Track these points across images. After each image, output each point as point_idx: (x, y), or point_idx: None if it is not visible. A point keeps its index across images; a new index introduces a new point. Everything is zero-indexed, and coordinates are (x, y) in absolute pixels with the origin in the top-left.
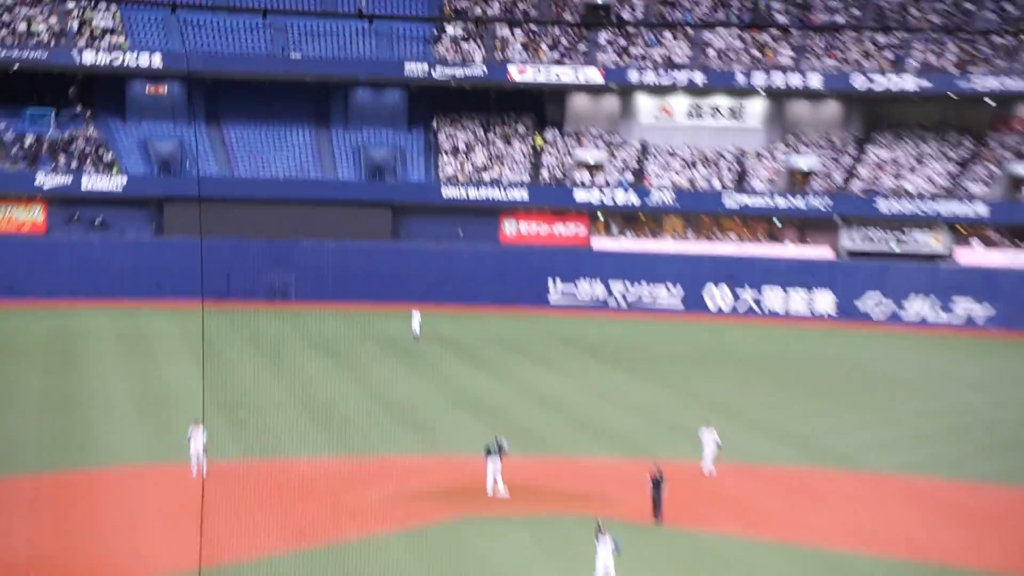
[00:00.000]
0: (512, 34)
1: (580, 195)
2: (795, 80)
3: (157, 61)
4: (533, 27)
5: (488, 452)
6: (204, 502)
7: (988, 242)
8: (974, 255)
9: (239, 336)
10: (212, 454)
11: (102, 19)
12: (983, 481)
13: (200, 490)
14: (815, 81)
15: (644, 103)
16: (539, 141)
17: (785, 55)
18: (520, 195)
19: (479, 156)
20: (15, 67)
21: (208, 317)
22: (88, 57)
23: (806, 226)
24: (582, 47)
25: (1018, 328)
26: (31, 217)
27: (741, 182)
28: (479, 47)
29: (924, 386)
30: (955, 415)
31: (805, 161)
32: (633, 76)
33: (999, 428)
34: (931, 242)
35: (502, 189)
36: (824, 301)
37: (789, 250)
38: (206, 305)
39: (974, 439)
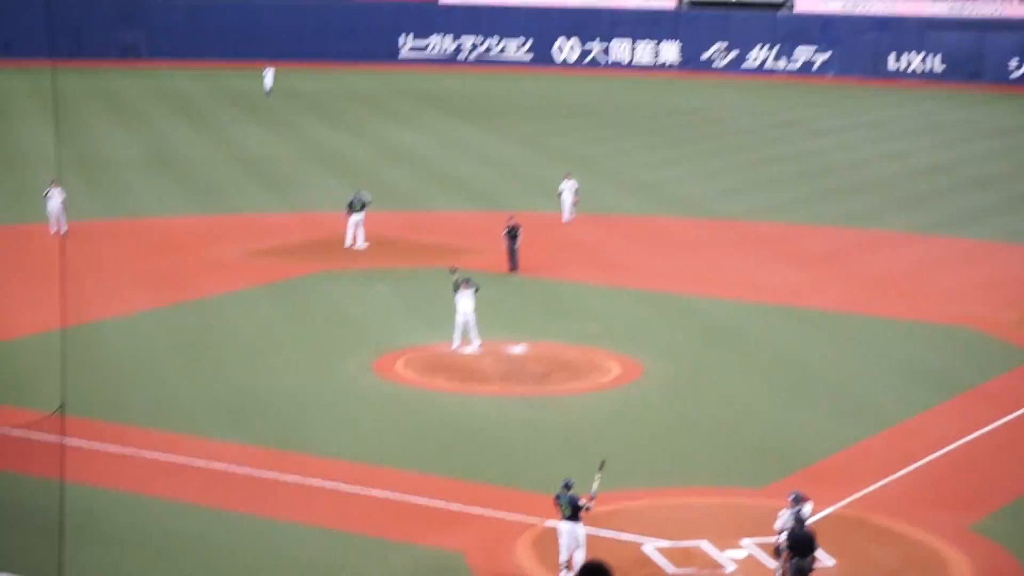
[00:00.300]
0: None
1: None
2: None
3: None
4: None
5: (351, 207)
6: (65, 261)
7: None
8: (812, 3)
9: (92, 95)
10: (71, 214)
11: None
12: (826, 224)
13: (60, 249)
14: None
15: None
16: None
17: None
18: None
19: None
20: None
21: (59, 76)
22: None
23: None
24: None
25: (854, 73)
26: None
27: None
28: None
29: (767, 133)
30: (797, 161)
31: None
32: None
33: (839, 172)
34: None
35: None
36: (670, 51)
37: (634, 0)
38: (57, 64)
39: (816, 183)
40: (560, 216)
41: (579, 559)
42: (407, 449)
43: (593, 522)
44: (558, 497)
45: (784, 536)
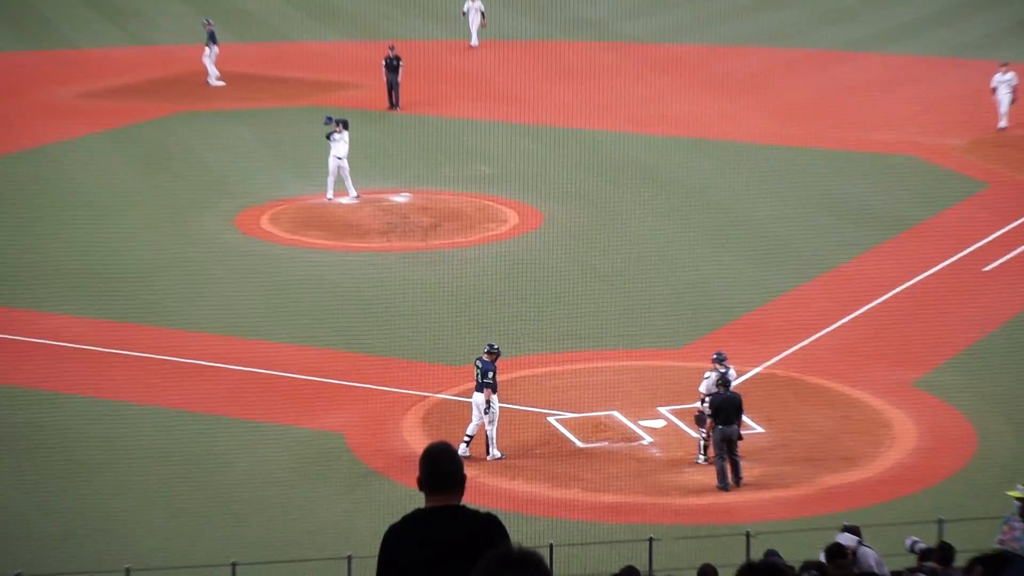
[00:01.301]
0: None
1: None
2: None
3: None
4: None
5: (210, 39)
6: None
7: None
8: None
9: None
10: None
11: None
12: (744, 44)
13: None
14: None
15: None
16: None
17: None
18: None
19: None
20: None
21: None
22: None
23: None
24: None
25: None
26: None
27: None
28: None
29: None
30: None
31: None
32: None
33: None
34: None
35: None
36: None
37: None
38: None
39: None
40: (468, 42)
41: (491, 435)
42: (277, 318)
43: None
44: (476, 361)
45: (707, 402)
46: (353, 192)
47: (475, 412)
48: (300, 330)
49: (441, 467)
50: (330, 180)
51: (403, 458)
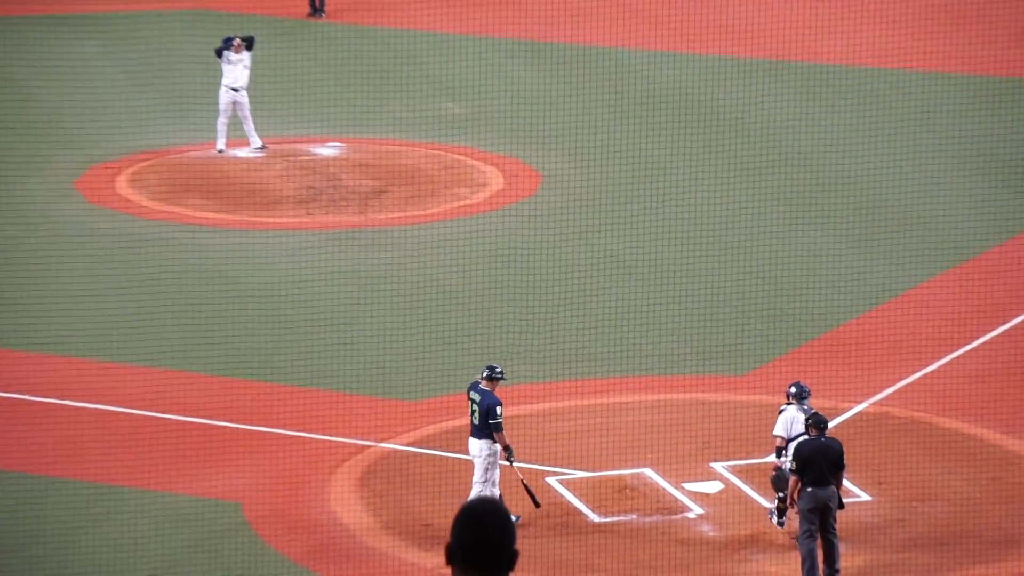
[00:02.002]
0: None
1: None
2: None
3: None
4: None
5: None
6: None
7: None
8: None
9: None
10: None
11: None
12: None
13: None
14: None
15: None
16: None
17: None
18: None
19: None
20: None
21: None
22: None
23: None
24: None
25: None
26: None
27: None
28: None
29: None
30: None
31: None
32: None
33: None
34: None
35: None
36: None
37: None
38: None
39: None
40: None
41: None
42: (140, 331)
43: (465, 445)
44: (469, 391)
45: (789, 451)
46: (256, 141)
47: (479, 468)
48: (176, 348)
49: (488, 535)
50: (221, 123)
51: (330, 541)
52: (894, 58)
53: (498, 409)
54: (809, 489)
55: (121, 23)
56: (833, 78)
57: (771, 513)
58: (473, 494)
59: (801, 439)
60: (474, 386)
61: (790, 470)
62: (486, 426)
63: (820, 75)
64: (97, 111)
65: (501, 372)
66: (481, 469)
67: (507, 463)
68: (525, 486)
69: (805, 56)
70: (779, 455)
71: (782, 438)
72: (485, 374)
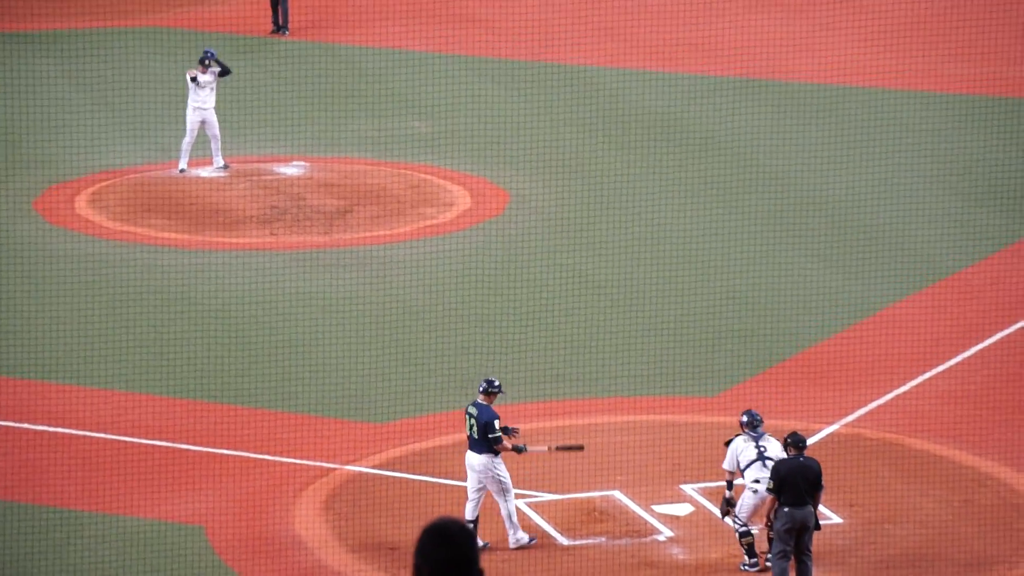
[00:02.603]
0: None
1: None
2: None
3: None
4: None
5: None
6: None
7: None
8: None
9: None
10: None
11: None
12: None
13: None
14: None
15: None
16: None
17: None
18: None
19: None
20: None
21: None
22: None
23: None
24: None
25: None
26: None
27: None
28: None
29: None
30: None
31: None
32: None
33: None
34: None
35: None
36: None
37: None
38: None
39: None
40: None
41: (511, 511)
42: (101, 351)
43: (432, 467)
44: (468, 408)
45: (762, 475)
46: (219, 160)
47: (473, 485)
48: (137, 369)
49: (461, 550)
50: (186, 143)
51: (295, 564)
52: (868, 77)
53: (495, 423)
54: (786, 509)
55: (79, 40)
56: (806, 97)
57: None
58: (502, 508)
59: (779, 459)
60: (472, 402)
61: (767, 489)
62: (485, 440)
63: (793, 94)
64: (55, 130)
65: (499, 386)
66: (475, 481)
67: (522, 451)
68: (560, 448)
69: (778, 75)
70: (730, 488)
71: (729, 472)
72: (482, 388)
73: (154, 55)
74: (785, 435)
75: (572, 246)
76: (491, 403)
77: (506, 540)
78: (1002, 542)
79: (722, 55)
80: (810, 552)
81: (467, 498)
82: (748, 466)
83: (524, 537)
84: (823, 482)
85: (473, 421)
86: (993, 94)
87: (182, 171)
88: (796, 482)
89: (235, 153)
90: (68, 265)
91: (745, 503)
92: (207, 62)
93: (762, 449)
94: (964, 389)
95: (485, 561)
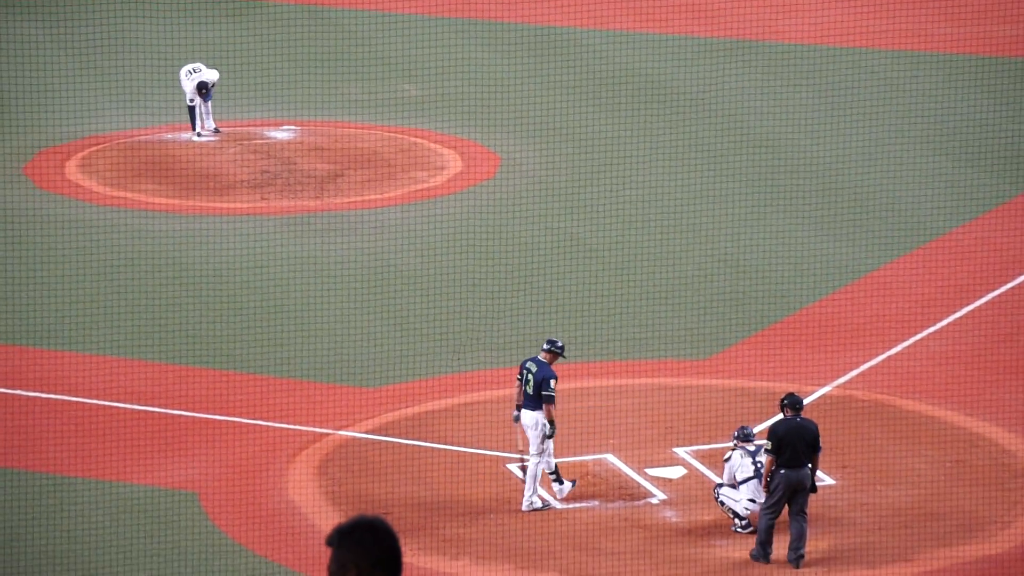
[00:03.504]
0: None
1: None
2: None
3: None
4: None
5: None
6: None
7: None
8: None
9: None
10: None
11: None
12: None
13: None
14: None
15: None
16: None
17: None
18: None
19: None
20: None
21: None
22: None
23: None
24: None
25: None
26: None
27: None
28: None
29: None
30: None
31: None
32: None
33: None
34: None
35: None
36: None
37: None
38: None
39: None
40: None
41: (535, 471)
42: (92, 317)
43: (425, 432)
44: (524, 363)
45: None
46: (211, 122)
47: (534, 442)
48: (129, 335)
49: (396, 542)
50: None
51: (289, 529)
52: (857, 38)
53: (552, 382)
54: (783, 471)
55: (67, 4)
56: (795, 58)
57: (734, 527)
58: (530, 467)
59: (776, 419)
60: (532, 359)
61: (765, 450)
62: (539, 397)
63: (782, 55)
64: (45, 95)
65: (562, 347)
66: (537, 441)
67: (549, 437)
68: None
69: (767, 36)
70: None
71: (728, 480)
72: (546, 347)
73: (142, 19)
74: (782, 396)
75: (564, 210)
76: (552, 362)
77: (498, 504)
78: (994, 502)
79: (711, 17)
80: (805, 513)
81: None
82: (744, 482)
83: (538, 502)
84: (821, 443)
85: (530, 376)
86: (981, 54)
87: (197, 137)
88: (794, 443)
89: (225, 117)
90: (59, 230)
91: (740, 511)
92: (203, 92)
93: (759, 465)
94: (955, 350)
95: (475, 525)
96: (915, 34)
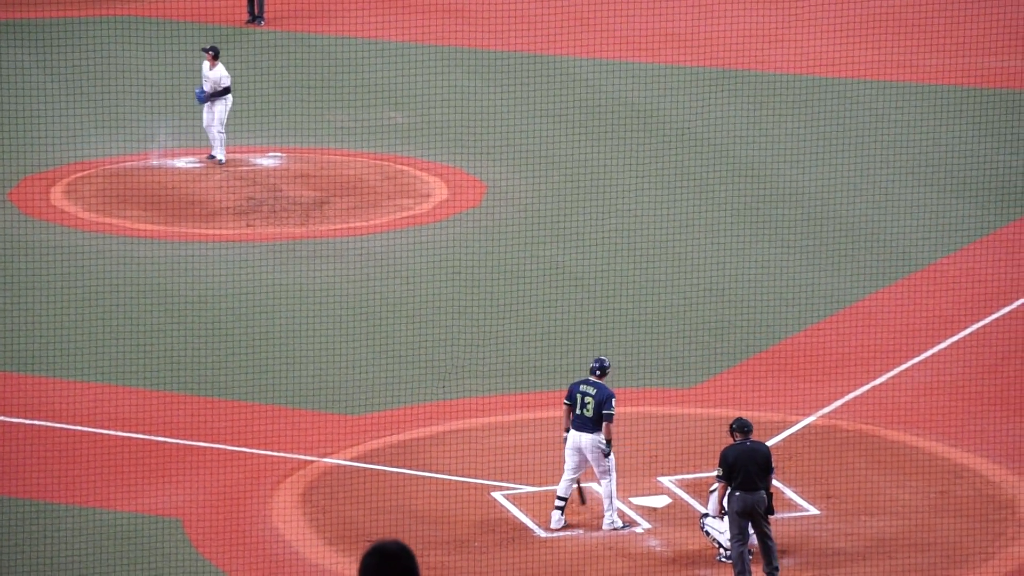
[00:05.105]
0: None
1: None
2: None
3: None
4: None
5: None
6: None
7: None
8: None
9: None
10: None
11: None
12: None
13: None
14: None
15: None
16: None
17: None
18: None
19: None
20: None
21: None
22: None
23: None
24: None
25: None
26: None
27: None
28: None
29: None
30: None
31: None
32: None
33: None
34: None
35: None
36: None
37: None
38: None
39: None
40: None
41: (612, 491)
42: (77, 343)
43: (410, 460)
44: (579, 386)
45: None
46: (221, 152)
47: (571, 466)
48: (114, 361)
49: (409, 571)
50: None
51: (272, 557)
52: (843, 68)
53: (613, 400)
54: (738, 494)
55: (53, 30)
56: (782, 88)
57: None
58: (603, 488)
59: (727, 446)
60: (584, 381)
61: (717, 476)
62: (599, 418)
63: (769, 85)
64: (31, 120)
65: (609, 365)
66: (601, 461)
67: (606, 455)
68: (579, 485)
69: (753, 65)
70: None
71: (713, 513)
72: (596, 368)
73: (128, 45)
74: (731, 422)
75: (549, 238)
76: (601, 381)
77: (482, 532)
78: (978, 533)
79: (698, 46)
80: (769, 534)
81: (562, 477)
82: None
83: (619, 521)
84: (774, 464)
85: (590, 399)
86: (967, 85)
87: (221, 162)
88: (746, 466)
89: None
90: (44, 256)
91: (724, 542)
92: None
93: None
94: (940, 380)
95: (460, 553)
96: (901, 65)
